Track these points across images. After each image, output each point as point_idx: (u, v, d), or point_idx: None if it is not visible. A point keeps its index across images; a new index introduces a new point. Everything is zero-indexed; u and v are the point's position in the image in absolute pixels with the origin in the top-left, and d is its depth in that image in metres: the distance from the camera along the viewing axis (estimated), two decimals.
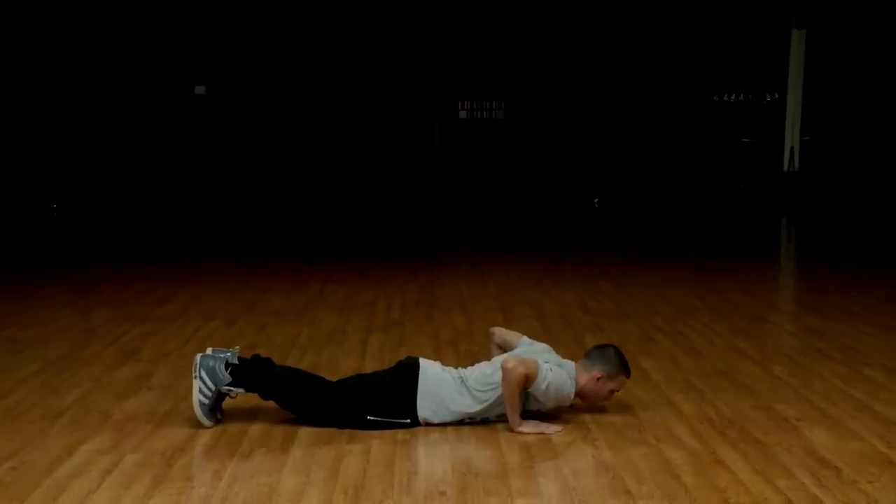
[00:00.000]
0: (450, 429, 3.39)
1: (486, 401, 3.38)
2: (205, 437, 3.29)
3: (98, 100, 13.21)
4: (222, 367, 3.34)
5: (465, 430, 3.39)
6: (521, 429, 3.32)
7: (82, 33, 12.88)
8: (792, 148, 13.26)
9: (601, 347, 3.60)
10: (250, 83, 13.57)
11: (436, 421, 3.39)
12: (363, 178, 13.55)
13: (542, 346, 3.61)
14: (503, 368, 3.29)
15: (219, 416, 3.43)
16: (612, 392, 3.51)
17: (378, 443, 3.24)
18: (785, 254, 9.76)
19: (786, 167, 13.27)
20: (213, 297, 6.14)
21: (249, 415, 3.51)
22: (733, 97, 13.85)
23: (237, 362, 3.39)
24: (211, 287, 6.52)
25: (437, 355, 4.54)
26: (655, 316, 5.51)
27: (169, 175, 13.55)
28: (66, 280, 6.99)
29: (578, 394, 3.48)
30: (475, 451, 3.19)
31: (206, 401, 3.33)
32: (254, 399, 3.55)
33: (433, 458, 3.14)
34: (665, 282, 6.82)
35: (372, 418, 3.34)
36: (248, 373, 3.38)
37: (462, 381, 3.43)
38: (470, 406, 3.39)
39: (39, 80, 12.80)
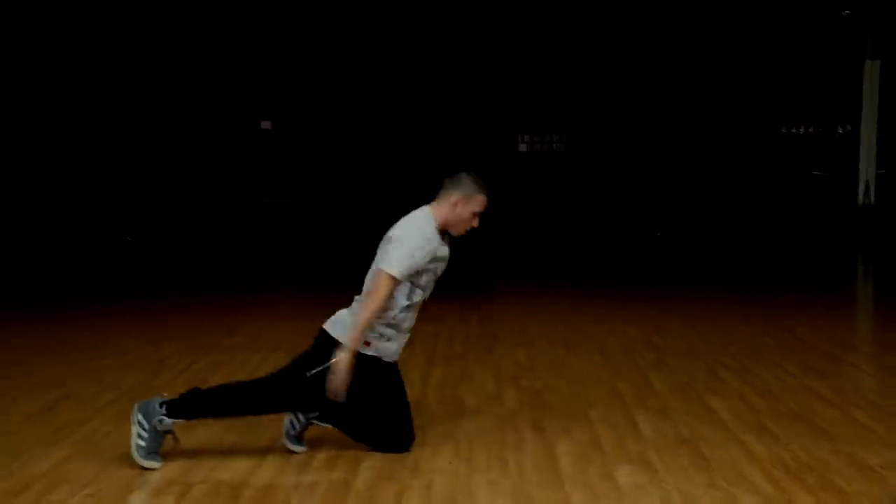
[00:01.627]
0: (511, 464, 3.35)
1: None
2: (268, 470, 3.32)
3: (169, 135, 13.68)
4: (156, 406, 3.28)
5: (528, 468, 3.33)
6: (342, 358, 3.24)
7: (154, 72, 13.40)
8: (867, 181, 12.84)
9: (451, 175, 3.52)
10: (315, 118, 13.89)
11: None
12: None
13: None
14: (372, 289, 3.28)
15: (297, 448, 3.47)
16: (474, 214, 3.47)
17: (440, 478, 3.22)
18: (860, 290, 9.41)
19: (860, 200, 12.85)
20: (278, 327, 6.22)
21: (313, 445, 3.53)
22: (802, 129, 13.54)
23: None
24: (276, 318, 6.62)
25: (498, 390, 4.51)
26: (723, 353, 5.36)
27: (236, 207, 13.90)
28: (140, 310, 7.20)
29: (444, 228, 3.44)
30: (538, 490, 3.13)
31: (142, 443, 3.25)
32: (315, 430, 3.57)
33: (496, 495, 3.09)
34: (732, 318, 6.64)
35: (311, 374, 3.31)
36: (183, 401, 3.33)
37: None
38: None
39: (115, 119, 13.34)
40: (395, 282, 3.31)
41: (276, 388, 3.39)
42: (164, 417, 3.27)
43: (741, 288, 8.65)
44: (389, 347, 3.45)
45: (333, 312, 3.53)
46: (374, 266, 3.40)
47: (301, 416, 3.46)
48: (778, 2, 12.76)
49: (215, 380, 4.69)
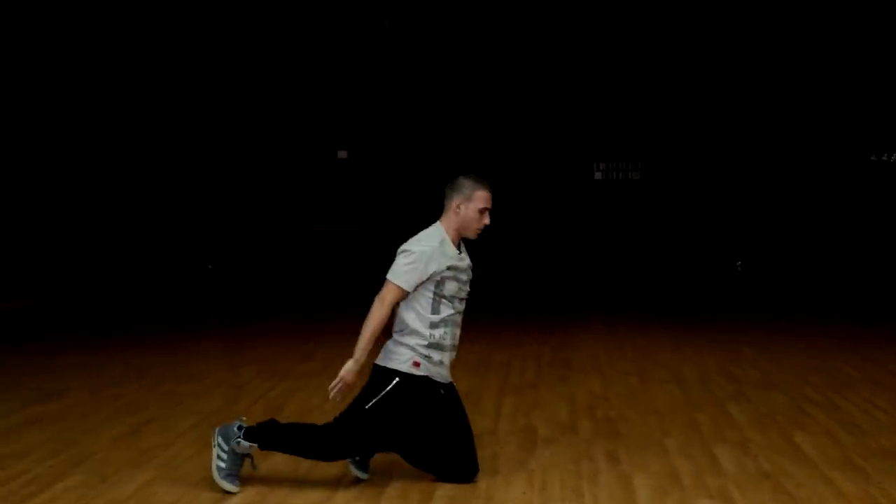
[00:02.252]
0: (587, 496, 3.29)
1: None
2: (342, 498, 3.35)
3: (250, 166, 14.13)
4: (234, 429, 3.39)
5: (604, 499, 3.27)
6: (348, 369, 3.39)
7: (234, 105, 13.90)
8: None
9: (450, 182, 3.52)
10: (390, 147, 14.13)
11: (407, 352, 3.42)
12: (497, 239, 13.68)
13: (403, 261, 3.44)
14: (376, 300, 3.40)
15: (361, 475, 3.50)
16: (482, 212, 3.43)
17: None
18: None
19: None
20: (351, 354, 6.29)
21: (385, 475, 3.56)
22: (893, 157, 13.00)
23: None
24: (350, 344, 6.70)
25: (572, 419, 4.46)
26: (806, 386, 5.16)
27: (313, 235, 14.22)
28: (218, 336, 7.41)
29: (459, 235, 3.46)
30: None
31: (222, 464, 3.36)
32: (387, 460, 3.60)
33: None
34: (816, 350, 6.40)
35: (369, 405, 3.38)
36: (260, 429, 3.42)
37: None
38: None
39: (197, 151, 13.87)
40: (400, 291, 3.38)
41: (343, 432, 3.41)
42: (241, 440, 3.36)
43: (825, 320, 8.33)
44: (440, 371, 3.46)
45: None
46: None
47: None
48: (865, 24, 12.34)
49: (291, 406, 4.80)
